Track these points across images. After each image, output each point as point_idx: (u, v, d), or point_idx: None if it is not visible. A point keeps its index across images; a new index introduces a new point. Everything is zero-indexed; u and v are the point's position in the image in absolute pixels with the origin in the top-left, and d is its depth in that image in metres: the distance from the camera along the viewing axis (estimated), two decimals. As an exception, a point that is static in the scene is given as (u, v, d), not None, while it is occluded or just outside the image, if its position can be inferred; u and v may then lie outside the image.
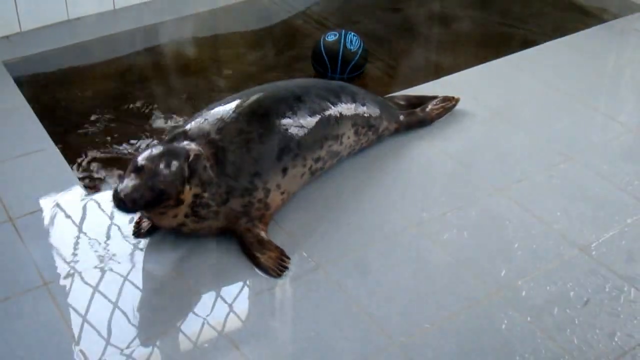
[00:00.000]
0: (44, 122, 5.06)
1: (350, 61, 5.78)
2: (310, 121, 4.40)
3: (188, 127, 4.17)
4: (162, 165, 3.82)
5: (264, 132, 4.20)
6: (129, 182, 3.75)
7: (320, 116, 4.46)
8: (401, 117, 5.01)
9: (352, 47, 5.77)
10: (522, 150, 4.89)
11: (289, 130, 4.29)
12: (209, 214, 4.04)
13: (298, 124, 4.34)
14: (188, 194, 3.91)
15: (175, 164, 3.85)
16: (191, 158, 3.91)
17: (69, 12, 6.32)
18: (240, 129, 4.15)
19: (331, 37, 5.80)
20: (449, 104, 5.19)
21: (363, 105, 4.74)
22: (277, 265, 3.99)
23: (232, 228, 4.12)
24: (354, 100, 4.70)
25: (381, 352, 3.52)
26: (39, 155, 4.74)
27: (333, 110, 4.55)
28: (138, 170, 3.80)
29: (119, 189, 3.73)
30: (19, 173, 4.58)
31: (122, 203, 3.71)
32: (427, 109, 5.11)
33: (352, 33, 5.84)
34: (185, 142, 4.04)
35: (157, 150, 3.93)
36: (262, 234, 4.11)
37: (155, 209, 3.86)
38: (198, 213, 4.00)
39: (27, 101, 5.28)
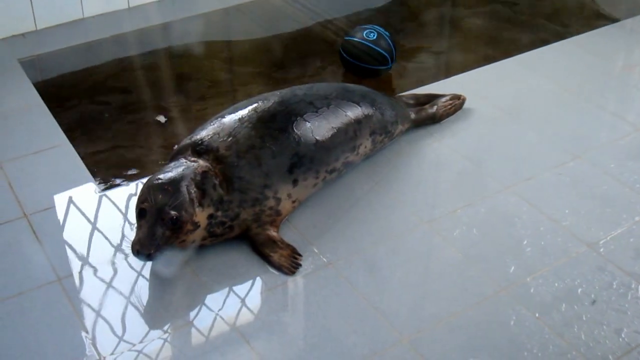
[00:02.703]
0: (58, 119, 5.09)
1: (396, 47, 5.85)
2: (327, 135, 4.36)
3: (195, 139, 4.13)
4: (168, 198, 3.76)
5: (277, 149, 4.16)
6: (141, 234, 3.71)
7: (337, 130, 4.42)
8: (412, 116, 5.03)
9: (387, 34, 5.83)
10: (531, 149, 4.91)
11: (303, 146, 4.25)
12: (225, 230, 4.04)
13: (313, 139, 4.29)
14: (202, 216, 3.89)
15: (182, 190, 3.80)
16: (198, 178, 3.88)
17: (84, 11, 6.35)
18: (251, 145, 4.11)
19: (371, 35, 5.78)
20: (456, 102, 5.20)
21: (381, 112, 4.72)
22: (290, 263, 4.00)
23: (245, 233, 4.15)
24: (373, 108, 4.67)
25: (390, 347, 3.54)
26: (52, 152, 4.77)
27: (352, 122, 4.51)
28: (143, 215, 3.77)
29: (133, 245, 3.70)
30: (33, 170, 4.62)
31: (144, 256, 3.70)
32: (436, 106, 5.12)
33: (371, 26, 5.88)
34: (192, 159, 4.02)
35: (157, 183, 3.83)
36: (273, 233, 4.12)
37: (176, 240, 3.81)
38: (215, 233, 4.00)
39: (42, 98, 5.31)
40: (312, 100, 4.45)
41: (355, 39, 5.74)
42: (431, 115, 5.10)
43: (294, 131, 4.24)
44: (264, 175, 4.09)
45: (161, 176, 3.87)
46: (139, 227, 3.76)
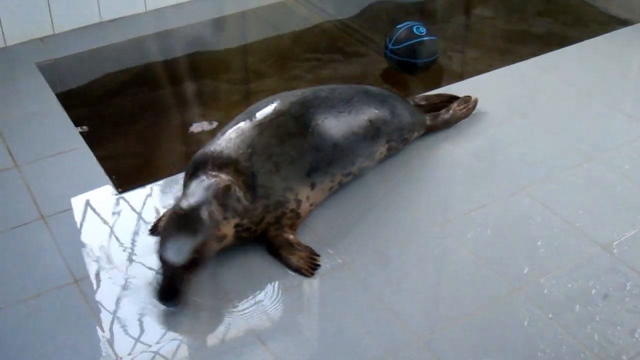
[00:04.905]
0: (76, 123, 5.13)
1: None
2: (346, 141, 4.37)
3: (214, 152, 4.09)
4: (180, 250, 3.69)
5: (296, 154, 4.17)
6: (164, 284, 3.67)
7: (356, 136, 4.43)
8: (428, 122, 5.02)
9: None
10: (545, 150, 4.91)
11: (322, 151, 4.26)
12: (250, 234, 4.06)
13: (332, 144, 4.30)
14: (229, 227, 3.91)
15: (200, 222, 3.77)
16: (221, 194, 3.87)
17: (102, 15, 6.39)
18: (270, 153, 4.11)
19: (421, 29, 5.88)
20: (469, 105, 5.19)
21: (399, 119, 4.71)
22: (308, 265, 4.01)
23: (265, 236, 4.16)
24: (392, 114, 4.67)
25: (405, 347, 3.56)
26: (70, 155, 4.81)
27: (371, 129, 4.52)
28: (163, 262, 3.73)
29: (159, 296, 3.67)
30: (50, 172, 4.66)
31: (173, 305, 3.69)
32: (451, 111, 5.10)
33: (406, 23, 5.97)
34: (213, 173, 4.00)
35: (174, 225, 3.78)
36: (291, 237, 4.13)
37: (203, 263, 3.78)
38: (242, 237, 4.02)
39: (59, 102, 5.35)
40: (334, 104, 4.46)
41: (404, 40, 5.85)
42: (447, 121, 5.08)
43: (313, 137, 4.25)
44: (283, 179, 4.09)
45: (180, 211, 3.81)
46: (162, 273, 3.73)
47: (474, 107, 5.23)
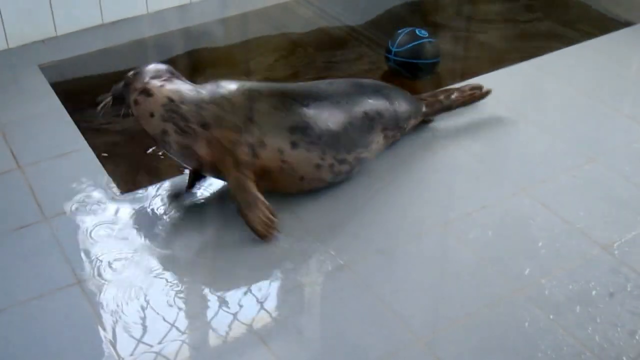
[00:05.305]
0: (78, 124, 5.15)
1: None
2: (339, 124, 4.41)
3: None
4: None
5: (280, 105, 4.30)
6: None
7: (350, 123, 4.46)
8: (424, 109, 5.01)
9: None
10: (546, 151, 4.93)
11: (313, 121, 4.32)
12: (188, 129, 4.16)
13: (325, 121, 4.35)
14: (157, 90, 4.28)
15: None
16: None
17: (103, 17, 6.39)
18: (251, 87, 4.36)
19: (424, 32, 5.96)
20: (477, 92, 5.19)
21: (394, 107, 4.73)
22: (264, 227, 4.09)
23: (220, 167, 4.23)
24: (387, 103, 4.70)
25: (406, 348, 3.57)
26: (73, 156, 4.82)
27: (365, 118, 4.54)
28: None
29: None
30: (53, 174, 4.67)
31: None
32: (453, 97, 5.11)
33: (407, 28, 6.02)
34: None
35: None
36: (248, 182, 4.18)
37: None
38: (174, 120, 4.17)
39: (62, 103, 5.37)
40: (330, 93, 4.52)
41: (408, 42, 5.91)
42: (446, 107, 5.10)
43: (306, 108, 4.35)
44: (248, 110, 4.24)
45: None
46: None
47: (480, 96, 5.22)
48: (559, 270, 4.01)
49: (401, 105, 4.79)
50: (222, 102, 4.22)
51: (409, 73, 5.90)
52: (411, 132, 4.99)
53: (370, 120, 4.57)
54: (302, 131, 4.27)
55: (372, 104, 4.62)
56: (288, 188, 4.39)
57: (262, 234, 4.10)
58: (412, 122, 4.92)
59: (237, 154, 4.17)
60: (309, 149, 4.29)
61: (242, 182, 4.16)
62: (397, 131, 4.79)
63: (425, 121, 5.10)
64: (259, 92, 4.32)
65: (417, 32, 5.90)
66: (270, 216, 4.13)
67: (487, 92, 5.25)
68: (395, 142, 4.88)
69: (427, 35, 5.90)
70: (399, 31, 5.97)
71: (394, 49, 5.89)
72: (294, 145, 4.25)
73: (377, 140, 4.64)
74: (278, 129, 4.23)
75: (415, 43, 5.84)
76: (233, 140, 4.16)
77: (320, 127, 4.32)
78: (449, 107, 5.12)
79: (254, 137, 4.18)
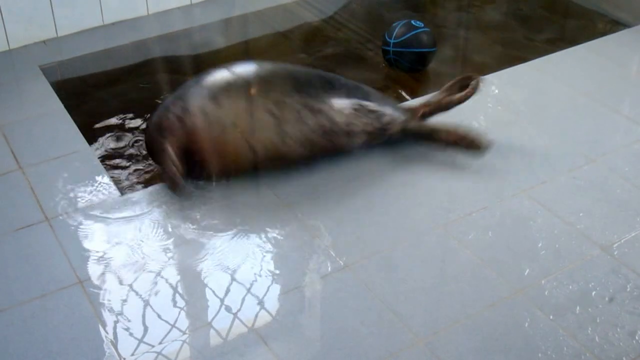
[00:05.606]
0: (79, 125, 5.14)
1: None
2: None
3: None
4: None
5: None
6: None
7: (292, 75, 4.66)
8: (410, 117, 4.95)
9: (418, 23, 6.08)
10: (546, 153, 4.92)
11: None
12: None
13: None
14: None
15: None
16: None
17: (104, 18, 6.41)
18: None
19: (419, 22, 6.05)
20: (469, 90, 5.01)
21: (356, 90, 4.77)
22: (172, 183, 4.36)
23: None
24: (359, 88, 4.79)
25: (406, 349, 3.58)
26: (74, 157, 4.82)
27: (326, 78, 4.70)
28: None
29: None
30: (54, 174, 4.67)
31: None
32: (454, 97, 5.04)
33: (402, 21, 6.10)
34: None
35: None
36: (167, 146, 4.41)
37: None
38: None
39: (63, 104, 5.37)
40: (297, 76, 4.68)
41: (405, 32, 5.99)
42: (444, 107, 5.05)
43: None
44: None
45: None
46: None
47: (474, 90, 5.05)
48: (559, 271, 4.01)
49: (381, 101, 4.84)
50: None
51: (408, 63, 5.93)
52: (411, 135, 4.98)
53: (330, 82, 4.69)
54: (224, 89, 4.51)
55: (326, 84, 4.70)
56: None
57: (173, 190, 4.40)
58: (397, 123, 4.85)
59: (163, 125, 4.51)
60: (239, 91, 4.51)
61: (164, 149, 4.45)
62: (380, 128, 4.77)
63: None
64: None
65: (412, 22, 6.02)
66: (177, 175, 4.36)
67: (478, 83, 5.06)
68: (392, 142, 4.88)
69: (422, 25, 6.01)
70: (395, 24, 6.05)
71: (392, 41, 5.94)
72: (214, 100, 4.47)
73: (337, 107, 4.65)
74: (194, 90, 4.59)
75: (413, 33, 5.95)
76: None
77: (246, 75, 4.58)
78: (445, 108, 5.06)
79: (178, 107, 4.51)
